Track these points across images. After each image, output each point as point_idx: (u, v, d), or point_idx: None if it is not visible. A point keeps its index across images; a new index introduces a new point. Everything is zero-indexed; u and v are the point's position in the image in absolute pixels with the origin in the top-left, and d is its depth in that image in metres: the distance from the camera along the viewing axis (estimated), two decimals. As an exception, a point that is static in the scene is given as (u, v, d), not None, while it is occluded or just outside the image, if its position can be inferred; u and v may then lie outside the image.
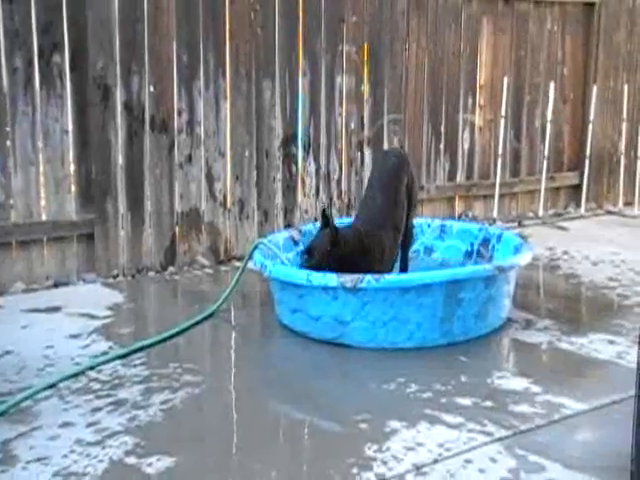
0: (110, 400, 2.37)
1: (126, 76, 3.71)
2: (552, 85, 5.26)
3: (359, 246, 2.99)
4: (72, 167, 3.66)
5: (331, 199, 4.43)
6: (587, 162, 5.46)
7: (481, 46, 5.02)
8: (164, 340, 2.86)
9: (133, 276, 3.77)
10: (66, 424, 2.22)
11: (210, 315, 3.14)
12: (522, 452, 2.07)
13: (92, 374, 2.57)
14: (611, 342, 2.88)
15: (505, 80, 5.07)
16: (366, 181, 4.48)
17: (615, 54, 5.59)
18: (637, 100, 5.64)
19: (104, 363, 2.64)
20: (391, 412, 2.30)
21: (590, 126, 5.44)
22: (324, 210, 3.03)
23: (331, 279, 2.77)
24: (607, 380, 2.56)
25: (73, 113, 3.63)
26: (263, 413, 2.35)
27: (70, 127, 3.63)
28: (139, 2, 3.70)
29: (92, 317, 3.13)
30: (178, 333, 2.94)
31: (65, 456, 2.04)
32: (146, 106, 3.78)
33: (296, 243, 3.51)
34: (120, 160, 3.73)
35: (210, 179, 4.02)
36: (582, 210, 5.45)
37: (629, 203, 5.64)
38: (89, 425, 2.21)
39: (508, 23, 5.10)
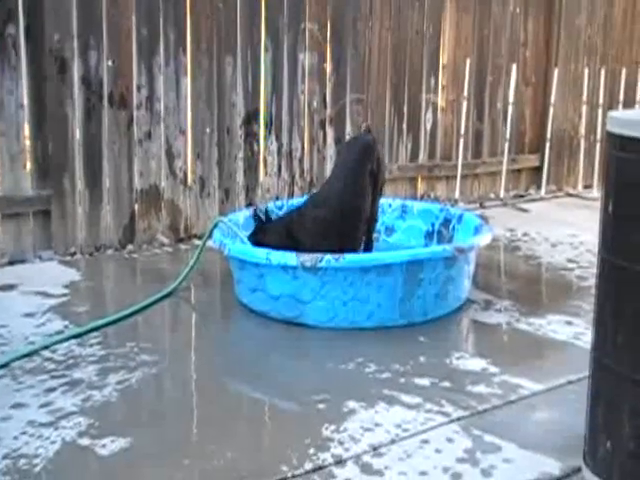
0: (64, 380, 2.32)
1: (84, 49, 3.60)
2: (514, 67, 5.26)
3: (284, 235, 3.05)
4: (27, 142, 3.56)
5: (293, 177, 4.39)
6: (548, 144, 5.49)
7: (444, 26, 4.99)
8: (121, 319, 2.81)
9: (91, 254, 3.69)
10: (18, 405, 2.17)
11: (169, 294, 3.09)
12: (479, 432, 2.08)
13: (46, 354, 2.51)
14: (569, 323, 2.91)
15: (468, 61, 5.07)
16: (329, 160, 4.48)
17: (576, 38, 5.61)
18: (597, 84, 5.69)
19: (59, 342, 2.58)
20: (349, 392, 2.29)
21: (551, 109, 5.47)
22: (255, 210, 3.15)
23: (290, 258, 2.75)
24: (564, 361, 2.58)
25: (28, 86, 3.52)
26: (221, 393, 2.32)
27: (25, 101, 3.52)
28: (97, -28, 3.60)
29: (48, 295, 3.06)
30: (136, 312, 2.89)
31: (16, 438, 1.99)
32: (104, 81, 3.68)
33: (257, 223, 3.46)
34: (78, 135, 3.64)
35: (170, 156, 3.95)
36: (542, 192, 5.49)
37: (588, 186, 5.70)
38: (42, 406, 2.16)
39: (471, 3, 5.08)
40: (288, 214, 3.24)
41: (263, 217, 3.18)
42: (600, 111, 5.63)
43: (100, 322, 2.75)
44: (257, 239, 3.07)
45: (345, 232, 3.07)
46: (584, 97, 5.62)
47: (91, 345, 2.59)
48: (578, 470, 1.89)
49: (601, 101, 5.64)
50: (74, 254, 3.65)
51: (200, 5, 3.94)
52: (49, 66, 3.52)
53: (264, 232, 3.10)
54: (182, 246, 3.91)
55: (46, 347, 2.54)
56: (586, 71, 5.61)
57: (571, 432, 2.02)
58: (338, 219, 3.05)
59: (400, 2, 4.74)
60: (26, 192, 3.56)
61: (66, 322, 2.78)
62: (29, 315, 2.85)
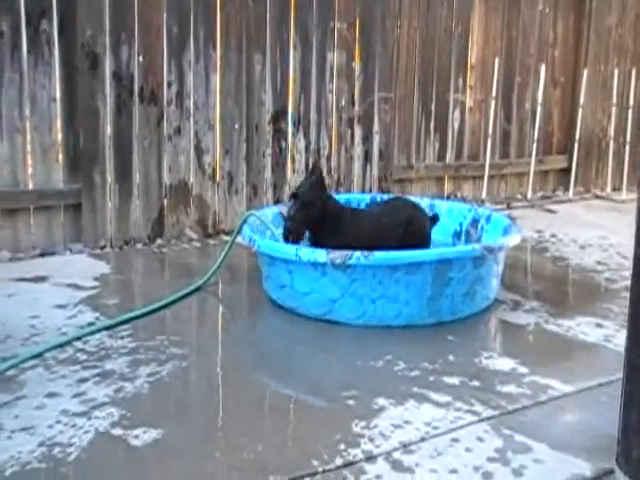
0: (96, 371, 2.34)
1: (115, 45, 3.64)
2: (543, 67, 5.24)
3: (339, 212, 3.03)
4: (59, 135, 3.60)
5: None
6: (576, 146, 5.46)
7: (473, 25, 4.99)
8: (151, 312, 2.84)
9: (120, 247, 3.73)
10: (52, 394, 2.19)
11: (198, 289, 3.11)
12: (509, 432, 2.07)
13: (78, 345, 2.54)
14: (598, 325, 2.89)
15: (496, 61, 5.05)
16: (356, 158, 4.48)
17: (606, 38, 5.58)
18: (627, 85, 5.64)
19: (91, 334, 2.61)
20: (379, 389, 2.29)
21: (580, 110, 5.44)
22: (315, 163, 3.04)
23: (320, 255, 2.75)
24: (594, 363, 2.57)
25: (61, 81, 3.56)
26: (250, 387, 2.33)
27: (58, 95, 3.56)
28: (129, -31, 3.63)
29: (78, 288, 3.09)
30: (165, 306, 2.91)
31: (50, 426, 2.02)
32: (135, 76, 3.72)
33: (285, 219, 3.47)
34: (108, 130, 3.68)
35: (199, 152, 3.98)
36: (570, 194, 5.46)
37: (617, 188, 5.66)
38: (75, 396, 2.19)
39: (500, 2, 5.07)
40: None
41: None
42: (630, 113, 5.59)
43: (130, 315, 2.77)
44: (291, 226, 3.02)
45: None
46: (614, 98, 5.58)
47: (122, 337, 2.62)
48: (610, 472, 1.88)
49: (631, 102, 5.59)
50: (104, 247, 3.68)
51: (230, 2, 3.96)
52: (81, 61, 3.56)
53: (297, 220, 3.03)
54: (210, 241, 3.93)
55: (78, 338, 2.57)
56: (616, 72, 5.57)
57: (602, 434, 2.01)
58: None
59: (429, 1, 4.74)
60: (57, 185, 3.60)
61: (97, 314, 2.81)
62: (61, 307, 2.88)
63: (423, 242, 3.13)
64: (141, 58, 3.72)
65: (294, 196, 3.03)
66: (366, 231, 3.06)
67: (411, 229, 3.11)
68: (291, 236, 2.99)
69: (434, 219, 3.30)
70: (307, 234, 3.08)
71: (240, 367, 2.48)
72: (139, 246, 3.77)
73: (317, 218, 3.01)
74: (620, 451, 1.86)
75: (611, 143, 5.64)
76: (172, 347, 2.54)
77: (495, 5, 5.04)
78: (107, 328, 2.67)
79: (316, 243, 3.04)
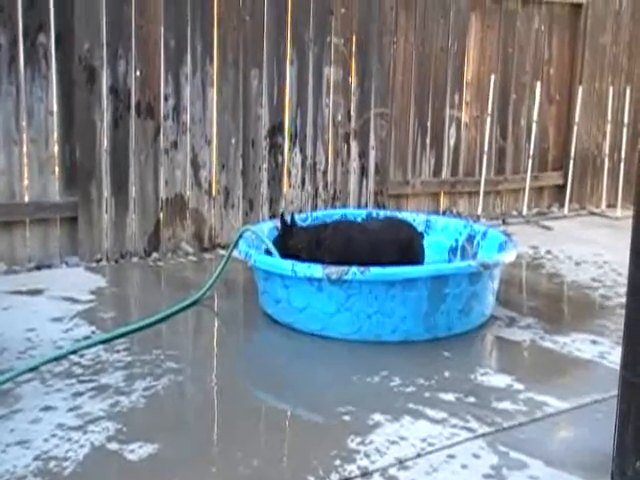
0: (92, 385, 2.35)
1: (112, 59, 3.67)
2: (538, 84, 5.29)
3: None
4: (56, 148, 3.62)
5: (317, 190, 4.42)
6: (571, 163, 5.50)
7: (469, 42, 5.03)
8: (147, 326, 2.84)
9: (116, 261, 3.74)
10: (47, 408, 2.20)
11: (194, 303, 3.13)
12: (504, 449, 2.09)
13: (74, 358, 2.54)
14: (594, 342, 2.91)
15: (492, 77, 5.10)
16: (352, 173, 4.50)
17: (601, 56, 5.63)
18: (621, 102, 5.69)
19: (86, 347, 2.62)
20: (375, 405, 2.30)
21: (575, 127, 5.49)
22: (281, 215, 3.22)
23: (316, 270, 2.77)
24: (589, 379, 2.59)
25: (58, 94, 3.58)
26: (245, 402, 2.34)
27: (55, 108, 3.58)
28: (126, -17, 3.66)
29: (75, 301, 3.10)
30: (161, 320, 2.92)
31: (46, 440, 2.02)
32: (132, 90, 3.74)
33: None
34: (105, 143, 3.70)
35: (196, 166, 4.00)
36: (565, 210, 5.50)
37: (612, 205, 5.70)
38: (71, 409, 2.19)
39: (496, 20, 5.12)
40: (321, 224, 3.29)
41: (288, 221, 3.23)
42: (625, 130, 5.64)
43: (127, 328, 2.78)
44: (284, 241, 3.12)
45: None
46: (608, 116, 5.63)
47: (118, 351, 2.62)
48: (605, 489, 1.90)
49: (626, 120, 5.64)
50: (100, 260, 3.69)
51: (227, 17, 3.99)
52: (78, 74, 3.59)
53: (291, 235, 3.14)
54: (206, 255, 3.95)
55: (74, 352, 2.58)
56: (611, 89, 5.62)
57: (598, 451, 2.03)
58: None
59: (425, 18, 4.79)
60: (54, 198, 3.62)
61: (93, 327, 2.82)
62: (57, 320, 2.89)
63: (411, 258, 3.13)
64: (138, 72, 3.75)
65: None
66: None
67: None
68: None
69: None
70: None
71: (236, 382, 2.49)
72: (135, 260, 3.78)
73: None
74: (615, 468, 1.87)
75: (606, 160, 5.69)
76: (168, 361, 2.55)
77: (491, 23, 5.09)
78: (103, 342, 2.67)
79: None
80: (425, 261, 3.22)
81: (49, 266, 3.56)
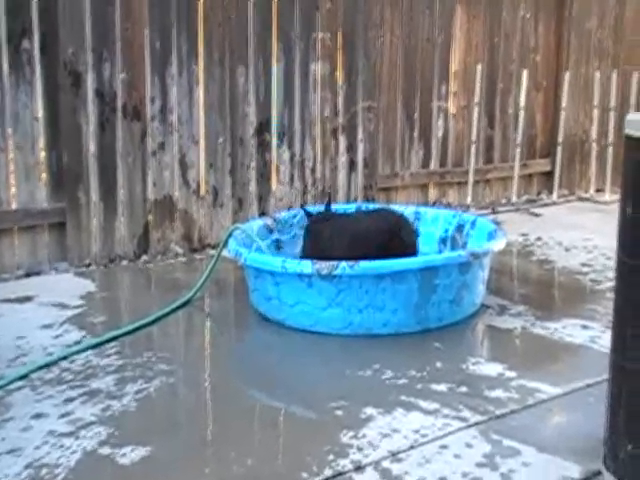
0: (83, 390, 2.34)
1: (97, 62, 3.64)
2: (525, 72, 5.27)
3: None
4: (42, 154, 3.60)
5: (305, 186, 4.40)
6: (559, 149, 5.49)
7: (455, 33, 5.01)
8: (138, 329, 2.83)
9: (106, 265, 3.72)
10: (38, 415, 2.18)
11: (185, 303, 3.11)
12: (497, 437, 2.08)
13: (65, 364, 2.53)
14: (584, 327, 2.91)
15: (479, 67, 5.08)
16: (341, 168, 4.49)
17: (586, 42, 5.62)
18: (608, 87, 5.67)
19: (77, 353, 2.60)
20: (367, 399, 2.29)
21: (562, 113, 5.47)
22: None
23: (306, 266, 2.76)
24: (581, 364, 2.58)
25: (43, 99, 3.56)
26: (238, 401, 2.33)
27: (40, 113, 3.56)
28: (110, -15, 3.63)
29: (64, 307, 3.09)
30: (152, 322, 2.90)
31: (37, 447, 2.01)
32: (118, 93, 3.72)
33: (271, 231, 3.49)
34: (92, 148, 3.67)
35: (184, 167, 3.98)
36: (554, 197, 5.49)
37: (600, 190, 5.69)
38: (62, 416, 2.18)
39: (481, 10, 5.10)
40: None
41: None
42: (612, 114, 5.62)
43: (117, 332, 2.77)
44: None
45: None
46: (595, 101, 5.61)
47: (109, 355, 2.61)
48: (598, 473, 1.89)
49: (613, 104, 5.62)
50: (89, 265, 3.67)
51: (212, 15, 3.97)
52: (63, 79, 3.56)
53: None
54: (196, 256, 3.93)
55: (64, 358, 2.56)
56: (597, 74, 5.60)
57: (590, 435, 2.02)
58: None
59: (411, 10, 4.77)
60: (41, 204, 3.60)
61: (83, 333, 2.80)
62: (47, 326, 2.87)
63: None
64: (124, 74, 3.72)
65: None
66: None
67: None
68: None
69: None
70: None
71: (228, 381, 2.48)
72: (125, 263, 3.76)
73: None
74: (607, 452, 1.87)
75: (594, 145, 5.67)
76: (159, 363, 2.54)
77: (476, 12, 5.07)
78: (94, 346, 2.66)
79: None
80: (419, 250, 3.21)
81: (38, 273, 3.54)
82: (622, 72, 5.74)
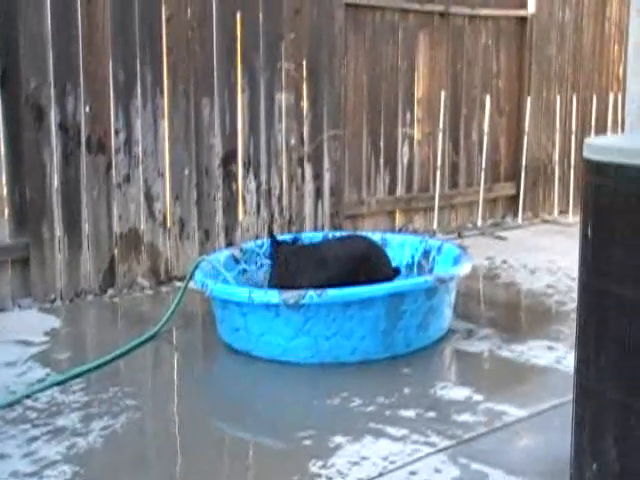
0: (47, 428, 2.30)
1: (61, 95, 3.63)
2: (488, 98, 5.37)
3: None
4: (5, 190, 3.57)
5: (272, 216, 4.42)
6: (523, 173, 5.59)
7: (418, 61, 5.10)
8: (104, 364, 2.80)
9: (71, 300, 3.68)
10: (1, 456, 2.14)
11: (151, 337, 3.09)
12: (465, 461, 2.09)
13: (28, 402, 2.49)
14: (550, 348, 2.95)
15: (442, 94, 5.16)
16: (307, 197, 4.52)
17: (547, 67, 5.75)
18: (569, 111, 5.81)
19: (41, 390, 2.57)
20: (335, 427, 2.29)
21: (525, 137, 5.58)
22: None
23: (273, 296, 2.77)
24: (547, 386, 2.61)
25: (5, 134, 3.54)
26: (206, 434, 2.31)
27: (2, 149, 3.54)
28: (72, 18, 3.63)
29: (28, 344, 3.04)
30: (118, 356, 2.88)
31: (-1, 489, 1.98)
32: (82, 126, 3.71)
33: (237, 262, 3.49)
34: (56, 182, 3.65)
35: (149, 199, 3.97)
36: (519, 220, 5.57)
37: (563, 211, 5.80)
38: (25, 456, 2.14)
39: (444, 37, 5.20)
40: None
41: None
42: (573, 138, 5.75)
43: (82, 368, 2.74)
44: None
45: None
46: (557, 124, 5.73)
47: (74, 392, 2.58)
48: (565, 494, 1.90)
49: (574, 128, 5.76)
50: (54, 301, 3.63)
51: (176, 48, 3.98)
52: (26, 114, 3.55)
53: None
54: (163, 288, 3.92)
55: (28, 396, 2.52)
56: (558, 99, 5.74)
57: (558, 457, 2.04)
58: None
59: (374, 39, 4.85)
60: (4, 240, 3.56)
61: (47, 370, 2.77)
62: (10, 364, 2.83)
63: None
64: (87, 108, 3.72)
65: None
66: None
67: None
68: None
69: (396, 271, 3.32)
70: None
71: (197, 414, 2.47)
72: (90, 298, 3.73)
73: None
74: (573, 472, 1.88)
75: (556, 168, 5.79)
76: (126, 398, 2.52)
77: (439, 40, 5.17)
78: (58, 383, 2.63)
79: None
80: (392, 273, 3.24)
81: (1, 310, 3.49)
82: (581, 97, 5.88)
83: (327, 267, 3.11)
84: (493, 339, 3.06)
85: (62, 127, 3.65)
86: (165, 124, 3.99)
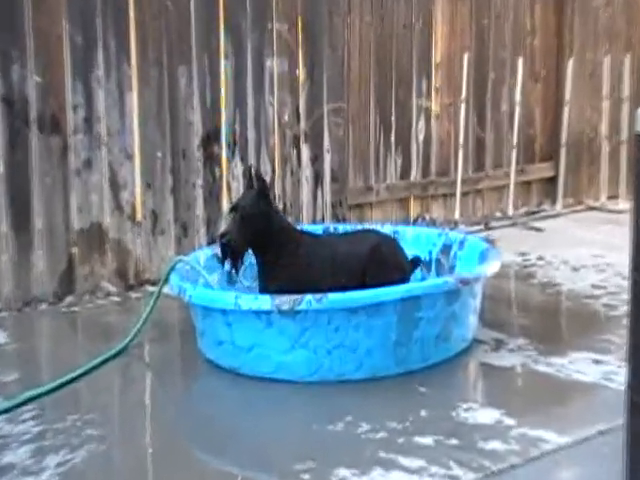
0: (-9, 466, 2.31)
1: (4, 64, 3.63)
2: (520, 60, 5.35)
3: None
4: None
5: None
6: (563, 150, 5.58)
7: (436, 17, 5.09)
8: (61, 387, 2.80)
9: (20, 310, 3.69)
10: None
11: (119, 353, 3.10)
12: (494, 498, 2.09)
13: (-32, 435, 2.50)
14: (597, 362, 2.94)
15: (465, 56, 5.15)
16: (304, 183, 4.51)
17: (593, 21, 5.72)
18: (620, 74, 5.76)
19: (-16, 420, 2.57)
20: (339, 458, 2.29)
21: (566, 108, 5.56)
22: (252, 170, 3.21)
23: (264, 301, 2.77)
24: (593, 407, 2.61)
25: (-63, 113, 3.55)
26: (185, 467, 2.31)
27: None
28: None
29: (-33, 365, 3.06)
30: (79, 377, 2.88)
31: None
32: (31, 101, 3.71)
33: (222, 262, 3.48)
34: (0, 168, 3.65)
35: (115, 187, 3.97)
36: (559, 207, 5.57)
37: (613, 196, 5.77)
38: (-37, 501, 2.15)
39: (467, -12, 5.19)
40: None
41: None
42: (625, 107, 5.71)
43: (34, 392, 2.73)
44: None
45: None
46: (604, 91, 5.70)
47: (24, 421, 2.57)
48: (614, 537, 1.90)
49: (626, 94, 5.71)
50: (-1, 311, 3.65)
51: (145, 5, 3.97)
52: (-39, 86, 3.56)
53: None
54: (132, 294, 3.92)
55: (-33, 428, 2.53)
56: (606, 60, 5.70)
57: (605, 492, 2.04)
58: None
59: (383, -10, 4.84)
60: (-62, 240, 3.57)
61: (-8, 394, 2.77)
62: (-54, 390, 2.83)
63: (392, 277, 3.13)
64: (38, 78, 3.72)
65: (233, 209, 3.12)
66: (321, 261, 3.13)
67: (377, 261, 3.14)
68: (229, 255, 3.05)
69: (416, 262, 3.34)
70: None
71: (174, 443, 2.47)
72: (44, 306, 3.73)
73: (261, 236, 3.08)
74: (625, 510, 1.87)
75: (604, 144, 5.77)
76: (88, 428, 2.51)
77: (461, -8, 5.16)
78: (4, 411, 2.62)
79: (262, 271, 3.15)
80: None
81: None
82: (637, 56, 5.84)
83: (331, 268, 3.13)
84: (527, 351, 3.06)
85: (6, 101, 3.65)
86: (134, 97, 4.00)
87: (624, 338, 3.01)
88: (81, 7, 3.81)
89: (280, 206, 4.46)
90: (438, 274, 3.48)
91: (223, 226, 4.15)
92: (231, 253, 3.06)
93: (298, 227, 3.42)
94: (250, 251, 3.16)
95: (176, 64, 4.10)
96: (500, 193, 5.45)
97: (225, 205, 4.30)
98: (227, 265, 3.14)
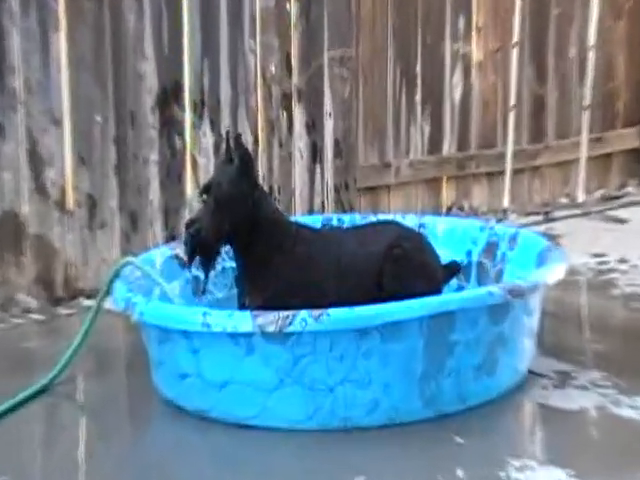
0: None
1: None
2: (595, -11, 5.38)
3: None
4: None
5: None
6: (655, 112, 5.60)
7: None
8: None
9: None
10: None
11: (42, 390, 3.11)
12: None
13: None
14: (699, 404, 2.95)
15: (518, -15, 5.18)
16: (298, 158, 4.52)
17: None
18: None
19: None
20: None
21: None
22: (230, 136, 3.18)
23: (243, 320, 2.76)
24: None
25: None
26: None
27: None
28: None
29: None
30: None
31: None
32: None
33: (185, 265, 3.48)
34: None
35: (36, 163, 3.99)
36: (649, 190, 5.60)
37: None
38: None
39: None
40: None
41: None
42: None
43: None
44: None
45: None
46: None
47: None
48: None
49: None
50: None
51: None
52: None
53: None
54: (61, 310, 3.95)
55: None
56: None
57: None
58: None
59: None
60: None
61: None
62: None
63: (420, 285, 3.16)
64: None
65: (206, 190, 3.09)
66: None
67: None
68: (198, 251, 3.04)
69: (453, 269, 3.38)
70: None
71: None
72: (-62, 327, 3.77)
73: (243, 227, 3.06)
74: None
75: None
76: (-4, 493, 2.53)
77: None
78: None
79: (243, 278, 3.16)
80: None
81: None
82: None
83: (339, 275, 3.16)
84: (604, 388, 3.06)
85: None
86: (61, 40, 4.02)
87: None
88: None
89: (266, 189, 4.47)
90: (480, 282, 3.50)
91: (190, 214, 4.19)
92: (201, 250, 3.05)
93: (292, 219, 3.43)
94: (227, 248, 3.16)
95: (121, -5, 4.13)
96: (566, 171, 5.47)
97: (189, 189, 4.31)
98: (194, 268, 3.14)
